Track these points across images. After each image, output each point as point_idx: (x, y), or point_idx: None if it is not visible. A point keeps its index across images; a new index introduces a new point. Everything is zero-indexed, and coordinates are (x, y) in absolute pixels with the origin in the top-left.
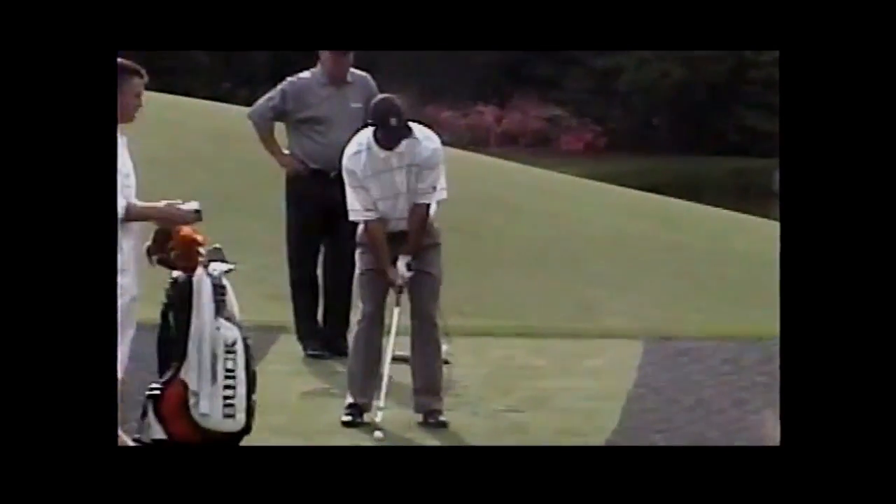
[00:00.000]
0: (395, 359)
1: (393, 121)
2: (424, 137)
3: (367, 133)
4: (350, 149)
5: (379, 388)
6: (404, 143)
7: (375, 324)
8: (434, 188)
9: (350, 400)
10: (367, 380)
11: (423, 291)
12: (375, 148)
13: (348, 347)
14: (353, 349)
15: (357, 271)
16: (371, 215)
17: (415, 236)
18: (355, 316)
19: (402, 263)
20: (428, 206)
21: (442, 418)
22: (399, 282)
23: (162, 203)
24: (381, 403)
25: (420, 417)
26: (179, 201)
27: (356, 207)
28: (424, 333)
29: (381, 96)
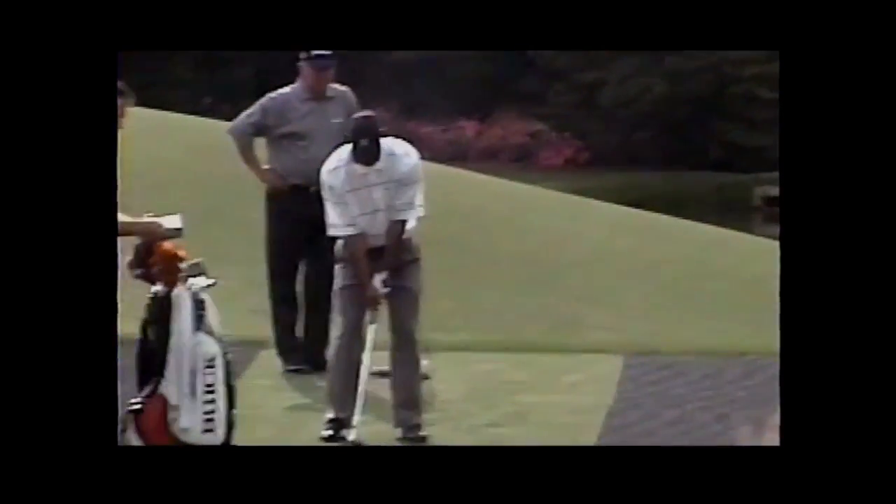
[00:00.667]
0: (374, 373)
1: (363, 142)
2: (404, 154)
3: (346, 149)
4: (329, 164)
5: (357, 402)
6: (383, 159)
7: (354, 338)
8: (411, 204)
9: (330, 415)
10: (346, 394)
11: (402, 307)
12: (354, 164)
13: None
14: (332, 364)
15: (336, 286)
16: (351, 230)
17: (391, 252)
18: (334, 331)
19: (377, 280)
20: (404, 222)
21: (422, 433)
22: (375, 298)
23: (143, 218)
24: (358, 418)
25: (399, 432)
26: (151, 214)
27: (336, 223)
28: (404, 348)
29: (358, 115)
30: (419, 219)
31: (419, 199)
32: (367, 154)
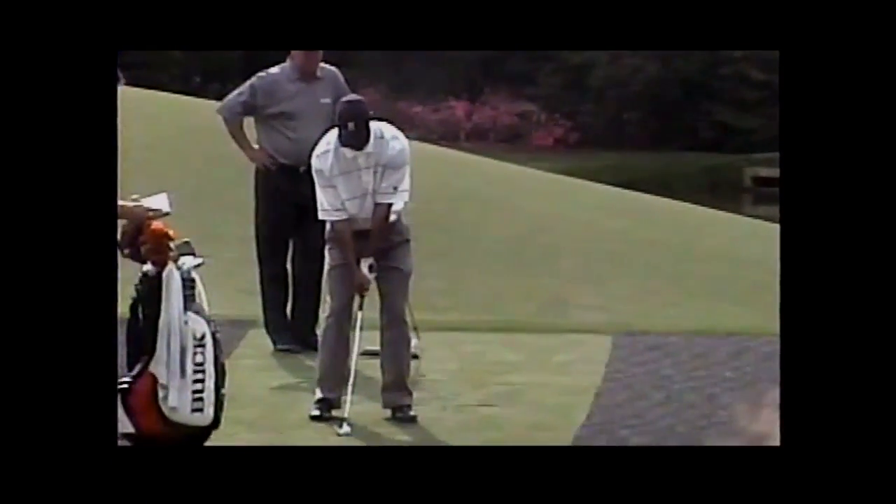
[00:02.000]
0: (364, 353)
1: (350, 125)
2: (392, 137)
3: (335, 133)
4: (319, 148)
5: (347, 382)
6: (372, 143)
7: (344, 319)
8: (395, 189)
9: (319, 395)
10: (335, 374)
11: (392, 287)
12: (343, 147)
13: (318, 342)
14: (321, 344)
15: (326, 266)
16: (340, 215)
17: (376, 236)
18: (324, 311)
19: (364, 265)
20: (389, 205)
21: (411, 413)
22: (362, 283)
23: (130, 201)
24: (349, 398)
25: (389, 412)
26: (136, 196)
27: (325, 207)
28: (393, 329)
29: (346, 98)
30: (407, 201)
31: (406, 183)
32: (354, 138)
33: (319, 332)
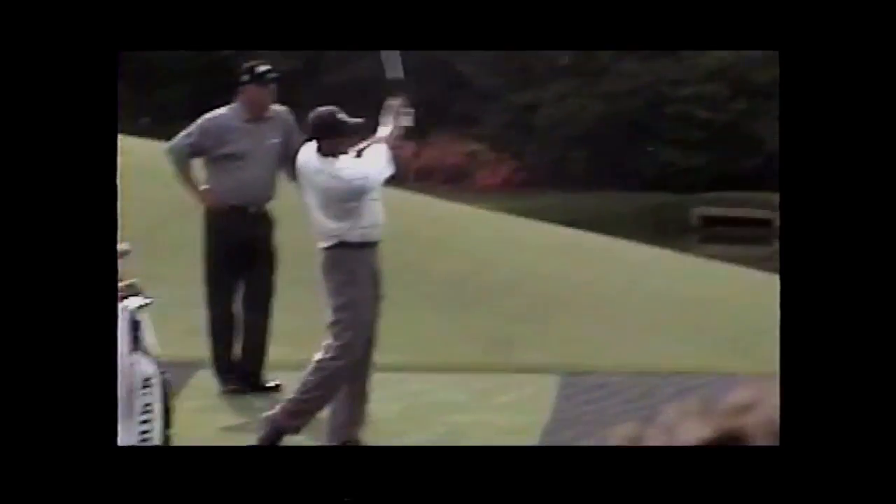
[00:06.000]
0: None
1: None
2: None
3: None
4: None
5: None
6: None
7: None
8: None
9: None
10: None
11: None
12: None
13: (264, 383)
14: (324, 386)
15: (341, 301)
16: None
17: None
18: (329, 352)
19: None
20: None
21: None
22: None
23: None
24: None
25: None
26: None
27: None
28: None
29: (324, 109)
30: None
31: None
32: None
33: (318, 374)
